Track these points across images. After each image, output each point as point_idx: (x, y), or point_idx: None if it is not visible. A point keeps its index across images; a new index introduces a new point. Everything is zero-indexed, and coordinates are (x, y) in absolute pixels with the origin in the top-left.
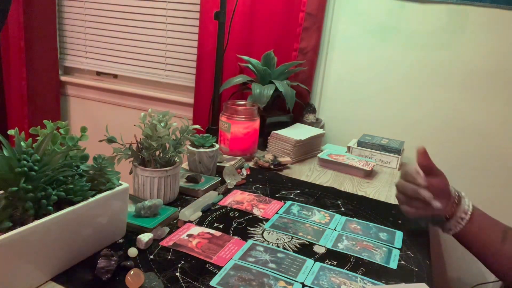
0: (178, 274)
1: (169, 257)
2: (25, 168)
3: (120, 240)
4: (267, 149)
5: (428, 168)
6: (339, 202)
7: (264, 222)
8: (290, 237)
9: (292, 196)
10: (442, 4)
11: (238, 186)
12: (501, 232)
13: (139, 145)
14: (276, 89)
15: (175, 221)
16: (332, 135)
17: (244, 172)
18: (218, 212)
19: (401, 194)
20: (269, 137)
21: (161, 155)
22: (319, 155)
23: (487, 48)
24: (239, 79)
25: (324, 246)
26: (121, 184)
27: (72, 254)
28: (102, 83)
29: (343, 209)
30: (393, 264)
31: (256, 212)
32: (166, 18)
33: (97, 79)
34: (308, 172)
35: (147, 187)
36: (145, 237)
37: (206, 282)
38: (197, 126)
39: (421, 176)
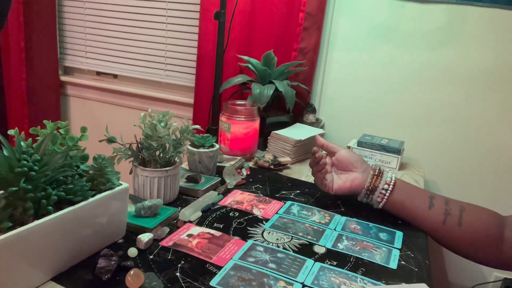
0: (178, 274)
1: (169, 257)
2: (25, 168)
3: (120, 240)
4: (267, 149)
5: (326, 147)
6: (339, 202)
7: (264, 222)
8: (290, 237)
9: (292, 196)
10: (442, 4)
11: (238, 186)
12: (428, 198)
13: (139, 145)
14: (276, 89)
15: (175, 221)
16: (332, 135)
17: (244, 172)
18: (218, 212)
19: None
20: (269, 137)
21: (161, 155)
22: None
23: (487, 47)
24: (239, 79)
25: (324, 246)
26: (121, 184)
27: (72, 254)
28: (102, 83)
29: (343, 209)
30: (393, 264)
31: (256, 212)
32: (166, 18)
33: (97, 79)
34: (308, 172)
35: (147, 187)
36: (145, 237)
37: (206, 282)
38: (197, 126)
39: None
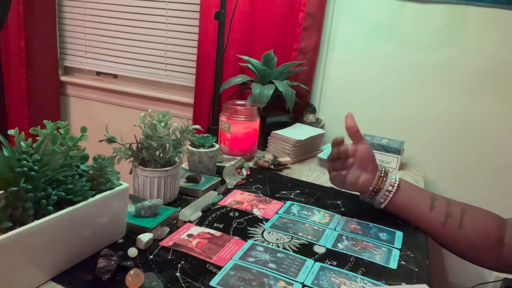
0: (178, 274)
1: (169, 257)
2: (25, 168)
3: (120, 240)
4: (267, 149)
5: (354, 132)
6: (339, 202)
7: (264, 222)
8: (290, 237)
9: (292, 196)
10: (442, 4)
11: (238, 186)
12: (429, 199)
13: (139, 145)
14: (276, 89)
15: (175, 221)
16: (332, 135)
17: (244, 172)
18: (218, 212)
19: (329, 163)
20: (269, 137)
21: (161, 155)
22: (319, 155)
23: (487, 47)
24: (239, 79)
25: (324, 246)
26: (121, 184)
27: (72, 254)
28: (102, 83)
29: (343, 209)
30: (393, 264)
31: (256, 212)
32: (166, 18)
33: (97, 79)
34: (308, 172)
35: (147, 187)
36: (145, 237)
37: (206, 282)
38: (197, 126)
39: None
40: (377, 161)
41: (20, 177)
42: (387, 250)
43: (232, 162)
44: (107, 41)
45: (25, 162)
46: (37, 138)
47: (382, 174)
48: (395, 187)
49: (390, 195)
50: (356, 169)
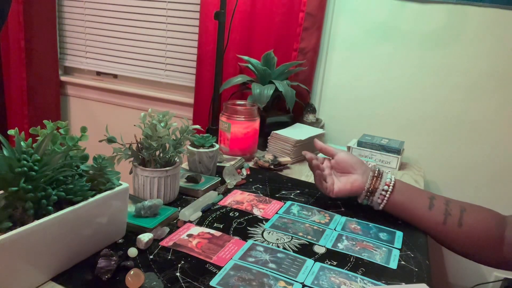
0: (178, 274)
1: (169, 257)
2: (25, 168)
3: (120, 240)
4: (267, 149)
5: (323, 150)
6: (339, 202)
7: (264, 222)
8: (290, 237)
9: (292, 196)
10: (442, 4)
11: (238, 186)
12: (428, 199)
13: (139, 145)
14: (276, 89)
15: (175, 221)
16: (332, 135)
17: (244, 172)
18: (218, 212)
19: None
20: (269, 137)
21: (161, 155)
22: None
23: (486, 48)
24: (239, 79)
25: (324, 246)
26: (121, 184)
27: (72, 254)
28: (102, 83)
29: (343, 209)
30: (393, 264)
31: (256, 212)
32: (166, 18)
33: (97, 79)
34: (308, 172)
35: (147, 187)
36: (145, 237)
37: (206, 282)
38: (197, 126)
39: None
40: (376, 162)
41: (20, 177)
42: (387, 250)
43: (232, 162)
44: (107, 41)
45: (25, 162)
46: (37, 138)
47: (376, 174)
48: (391, 186)
49: (387, 195)
50: (342, 176)
